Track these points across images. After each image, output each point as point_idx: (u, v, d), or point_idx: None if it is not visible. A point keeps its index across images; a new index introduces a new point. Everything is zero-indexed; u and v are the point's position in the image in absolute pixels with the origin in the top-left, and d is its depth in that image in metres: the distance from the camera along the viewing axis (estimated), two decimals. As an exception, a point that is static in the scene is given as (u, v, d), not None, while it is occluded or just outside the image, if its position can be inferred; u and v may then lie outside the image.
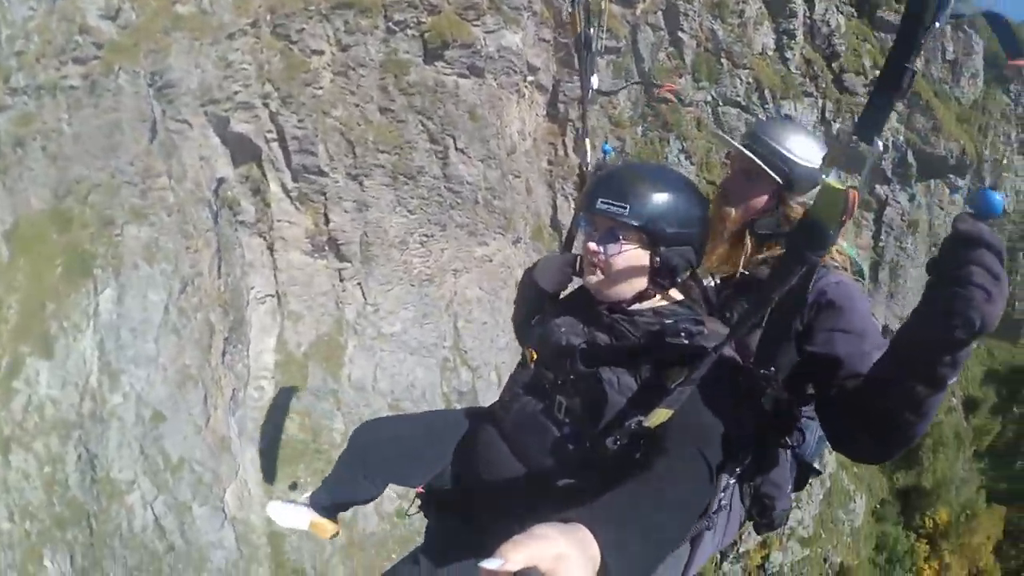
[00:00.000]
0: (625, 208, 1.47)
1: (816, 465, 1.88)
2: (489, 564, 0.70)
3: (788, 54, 29.86)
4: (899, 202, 29.84)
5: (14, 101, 31.51)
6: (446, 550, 1.74)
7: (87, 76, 25.83)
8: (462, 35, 23.91)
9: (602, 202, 1.51)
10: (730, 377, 1.41)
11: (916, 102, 28.85)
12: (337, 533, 2.33)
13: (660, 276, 1.54)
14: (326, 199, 24.78)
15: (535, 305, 1.89)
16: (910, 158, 29.07)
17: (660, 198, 1.48)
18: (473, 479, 1.73)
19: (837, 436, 1.47)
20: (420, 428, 2.06)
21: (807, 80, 30.55)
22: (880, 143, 1.08)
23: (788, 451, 1.73)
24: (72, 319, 25.04)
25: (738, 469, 1.50)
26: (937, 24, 0.98)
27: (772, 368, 1.41)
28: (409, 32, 24.38)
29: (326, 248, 24.68)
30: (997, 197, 1.04)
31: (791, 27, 29.52)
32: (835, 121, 29.82)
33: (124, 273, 25.44)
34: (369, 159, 24.11)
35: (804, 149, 1.68)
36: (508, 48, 24.23)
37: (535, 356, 1.67)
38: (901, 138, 29.29)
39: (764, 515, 1.77)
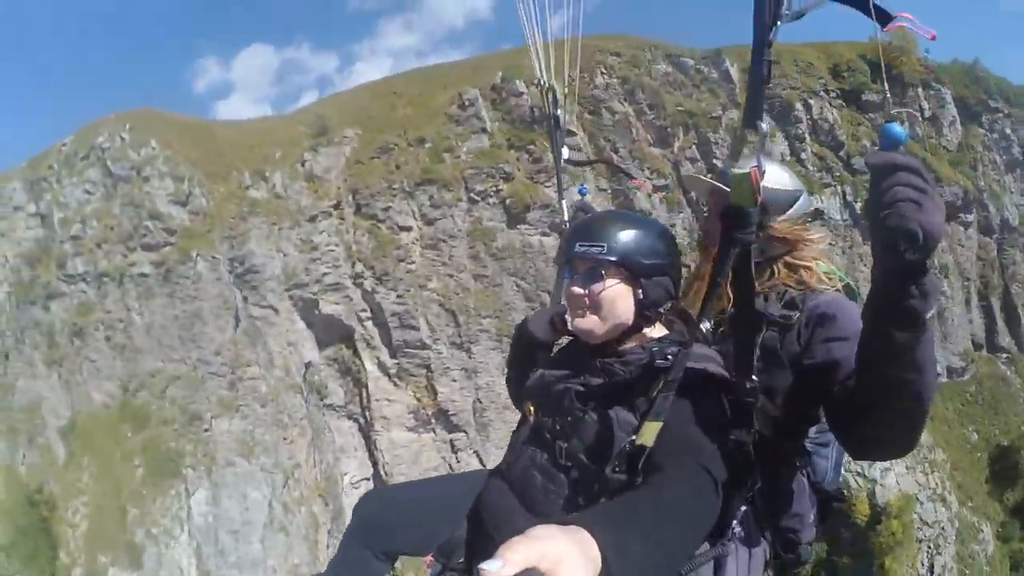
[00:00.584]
0: (602, 246, 1.55)
1: (835, 493, 1.85)
2: (489, 566, 0.68)
3: (802, 155, 32.35)
4: (927, 251, 31.69)
5: (71, 289, 30.34)
6: None
7: (160, 264, 25.27)
8: (539, 196, 24.78)
9: (580, 246, 1.59)
10: (718, 393, 1.43)
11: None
12: None
13: (645, 308, 1.59)
14: (430, 371, 24.62)
15: (528, 359, 1.90)
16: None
17: (632, 234, 1.58)
18: (483, 536, 1.69)
19: (854, 437, 1.45)
20: (426, 494, 2.04)
21: (823, 173, 33.01)
22: (764, 126, 1.20)
23: (804, 479, 1.74)
24: (162, 524, 23.42)
25: (748, 495, 1.47)
26: (779, 23, 1.11)
27: (754, 379, 1.40)
28: (490, 200, 25.17)
29: (433, 421, 24.32)
30: (897, 128, 1.12)
31: (799, 131, 32.22)
32: (856, 201, 32.14)
33: (217, 471, 24.22)
34: (473, 326, 24.26)
35: (772, 175, 1.71)
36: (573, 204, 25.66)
37: (533, 409, 1.70)
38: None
39: (789, 548, 1.75)
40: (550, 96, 2.43)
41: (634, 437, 1.35)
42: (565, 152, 2.41)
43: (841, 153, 33.13)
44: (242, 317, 24.96)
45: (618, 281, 1.57)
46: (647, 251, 1.57)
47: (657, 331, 1.66)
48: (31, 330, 29.02)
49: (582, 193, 2.66)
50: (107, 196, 27.22)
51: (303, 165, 26.06)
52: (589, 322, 1.59)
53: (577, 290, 1.60)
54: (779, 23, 1.10)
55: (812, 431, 1.74)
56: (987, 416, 33.20)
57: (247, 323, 25.01)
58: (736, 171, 1.26)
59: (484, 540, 1.67)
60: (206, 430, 24.09)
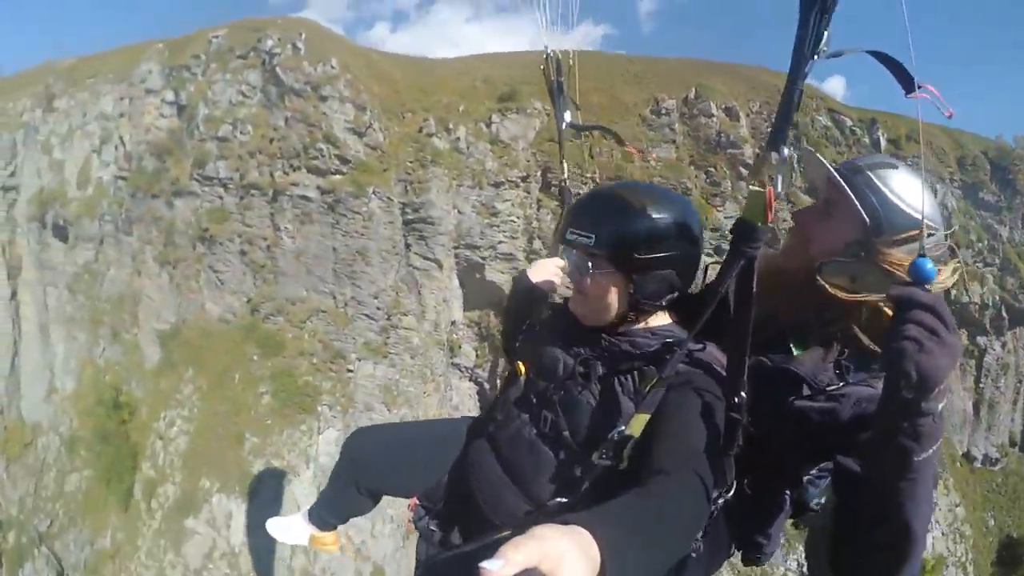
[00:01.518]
0: (591, 237, 1.49)
1: (813, 504, 1.73)
2: (490, 565, 0.69)
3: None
4: (995, 349, 34.45)
5: (204, 191, 28.34)
6: (442, 567, 1.75)
7: (328, 191, 24.09)
8: (711, 219, 25.41)
9: (571, 232, 1.53)
10: (715, 394, 1.42)
11: (1007, 266, 33.93)
12: (339, 546, 2.30)
13: (638, 302, 1.54)
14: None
15: (526, 311, 1.88)
16: (1003, 312, 33.86)
17: (629, 224, 1.47)
18: (466, 495, 1.72)
19: (835, 556, 1.38)
20: (413, 438, 2.05)
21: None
22: (786, 150, 1.22)
23: (787, 500, 1.69)
24: (285, 459, 22.60)
25: (721, 500, 1.41)
26: (816, 57, 1.13)
27: (742, 395, 1.34)
28: None
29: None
30: (928, 265, 1.13)
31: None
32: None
33: (353, 414, 23.44)
34: None
35: (907, 190, 1.47)
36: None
37: (524, 370, 1.69)
38: (996, 297, 34.08)
39: (751, 552, 1.75)
40: (553, 63, 2.45)
41: (623, 427, 1.37)
42: (567, 117, 2.46)
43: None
44: (401, 265, 24.37)
45: (606, 273, 1.51)
46: (644, 243, 1.48)
47: (660, 319, 1.61)
48: (145, 223, 27.11)
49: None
50: (268, 104, 25.70)
51: (488, 126, 25.53)
52: (580, 307, 1.59)
53: (572, 273, 1.59)
54: (816, 58, 1.14)
55: (814, 470, 1.64)
56: (1006, 507, 36.45)
57: (407, 272, 24.44)
58: (753, 187, 1.25)
59: (467, 502, 1.69)
60: (349, 371, 23.42)
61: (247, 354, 24.35)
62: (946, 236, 1.52)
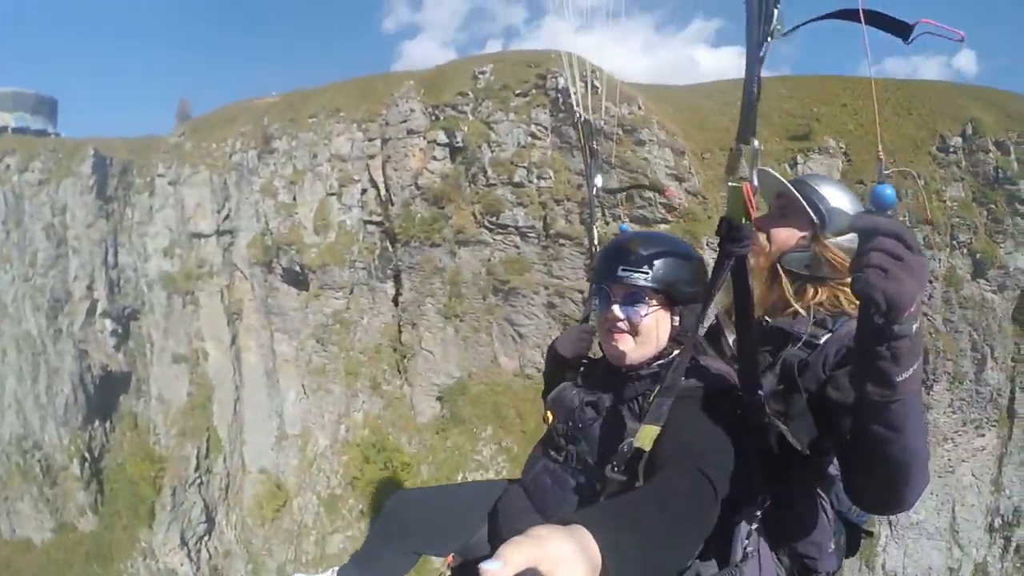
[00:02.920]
0: (647, 273, 1.57)
1: (865, 526, 1.84)
2: (489, 566, 0.68)
3: None
4: None
5: (495, 240, 27.64)
6: None
7: None
8: (995, 256, 25.62)
9: (623, 270, 1.59)
10: (726, 404, 1.42)
11: None
12: None
13: (680, 334, 1.63)
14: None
15: (558, 374, 1.99)
16: None
17: (673, 261, 1.60)
18: (498, 537, 1.77)
19: (848, 481, 1.46)
20: (452, 498, 2.10)
21: None
22: (756, 142, 1.22)
23: (826, 505, 1.72)
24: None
25: (757, 512, 1.45)
26: (770, 39, 1.14)
27: (759, 392, 1.40)
28: (964, 251, 25.47)
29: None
30: (888, 191, 1.16)
31: None
32: None
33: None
34: (939, 366, 24.59)
35: (837, 196, 1.80)
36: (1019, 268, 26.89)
37: (552, 416, 1.79)
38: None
39: (804, 573, 1.73)
40: (585, 128, 2.51)
41: (632, 440, 1.38)
42: (599, 180, 2.54)
43: None
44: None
45: (658, 307, 1.61)
46: (687, 279, 1.62)
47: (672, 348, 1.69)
48: (422, 272, 25.75)
49: (623, 231, 2.79)
50: (563, 147, 24.61)
51: (792, 167, 25.03)
52: (625, 346, 1.62)
53: (617, 314, 1.62)
54: (770, 40, 1.14)
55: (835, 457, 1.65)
56: None
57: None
58: (731, 184, 1.26)
59: (498, 541, 1.71)
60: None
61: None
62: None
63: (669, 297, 1.61)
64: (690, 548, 1.17)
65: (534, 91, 24.92)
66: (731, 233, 1.29)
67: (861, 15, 1.15)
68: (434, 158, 25.92)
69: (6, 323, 35.67)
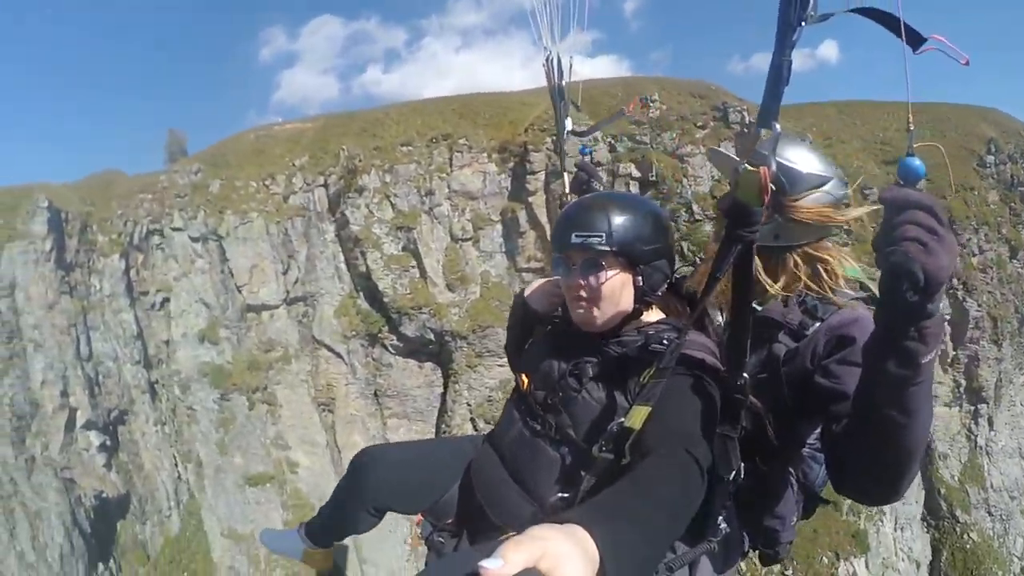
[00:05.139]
0: (600, 236, 1.53)
1: (823, 495, 1.86)
2: (489, 564, 0.68)
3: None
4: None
5: None
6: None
7: None
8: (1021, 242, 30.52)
9: (576, 236, 1.56)
10: (709, 383, 1.44)
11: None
12: (330, 565, 2.33)
13: (644, 294, 1.61)
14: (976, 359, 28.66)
15: (526, 329, 1.93)
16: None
17: (630, 220, 1.56)
18: (473, 503, 1.77)
19: (837, 468, 1.45)
20: (421, 455, 2.07)
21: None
22: (777, 126, 1.17)
23: (792, 481, 1.76)
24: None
25: (731, 489, 1.46)
26: (803, 24, 1.10)
27: (744, 375, 1.37)
28: (1003, 241, 29.58)
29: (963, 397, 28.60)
30: (916, 162, 1.11)
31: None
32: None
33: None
34: (1003, 328, 28.51)
35: (797, 156, 1.70)
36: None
37: (527, 381, 1.75)
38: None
39: (768, 546, 1.79)
40: (555, 64, 2.38)
41: (623, 420, 1.39)
42: (568, 124, 2.37)
43: None
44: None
45: (618, 271, 1.57)
46: (645, 236, 1.57)
47: (654, 314, 1.68)
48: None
49: (583, 153, 2.63)
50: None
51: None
52: (589, 313, 1.61)
53: (576, 281, 1.59)
54: (803, 24, 1.11)
55: (811, 437, 1.72)
56: None
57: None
58: (746, 167, 1.20)
59: (475, 508, 1.76)
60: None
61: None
62: (846, 184, 1.76)
63: (629, 258, 1.57)
64: (678, 533, 1.19)
65: (712, 123, 23.16)
66: (742, 218, 1.24)
67: (903, 30, 1.11)
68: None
69: (-52, 465, 24.68)
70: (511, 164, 23.38)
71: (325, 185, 24.12)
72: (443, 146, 23.57)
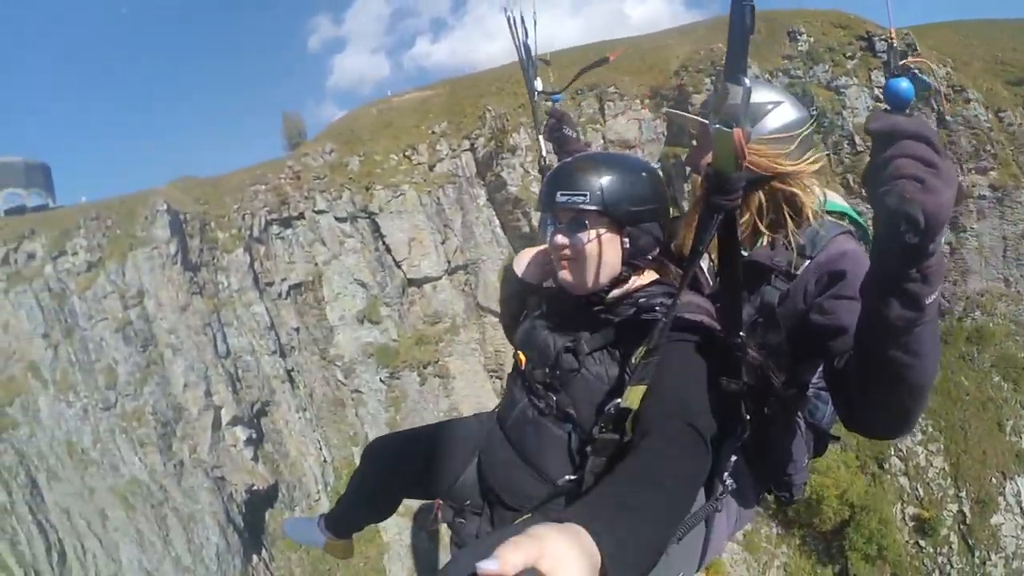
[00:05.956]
0: (584, 195, 1.49)
1: (832, 432, 1.81)
2: (486, 565, 0.67)
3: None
4: None
5: None
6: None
7: (996, 187, 22.70)
8: None
9: (561, 195, 1.52)
10: (706, 344, 1.39)
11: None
12: (352, 555, 2.37)
13: (632, 257, 1.55)
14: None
15: (519, 301, 1.89)
16: None
17: (616, 180, 1.51)
18: (485, 484, 1.76)
19: (846, 408, 1.39)
20: (433, 441, 2.01)
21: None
22: (747, 80, 1.07)
23: (801, 423, 1.70)
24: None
25: (737, 444, 1.44)
26: None
27: (741, 335, 1.33)
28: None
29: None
30: (903, 84, 0.99)
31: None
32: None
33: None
34: None
35: (757, 98, 1.55)
36: None
37: (524, 359, 1.70)
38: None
39: (782, 489, 1.76)
40: (520, 23, 2.28)
41: (619, 400, 1.35)
42: (538, 84, 2.26)
43: None
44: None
45: (603, 231, 1.52)
46: (632, 197, 1.52)
47: (646, 277, 1.62)
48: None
49: (555, 100, 2.51)
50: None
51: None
52: (574, 275, 1.56)
53: (561, 240, 1.55)
54: None
55: (815, 377, 1.67)
56: None
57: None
58: (718, 128, 1.10)
59: (489, 492, 1.74)
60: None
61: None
62: (809, 126, 1.66)
63: (615, 219, 1.52)
64: (688, 509, 1.18)
65: (860, 52, 23.03)
66: (720, 185, 1.17)
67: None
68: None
69: (94, 476, 24.16)
70: (664, 110, 23.06)
71: (472, 149, 23.48)
72: (591, 97, 23.05)
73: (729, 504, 1.60)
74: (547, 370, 1.59)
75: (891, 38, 1.09)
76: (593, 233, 1.52)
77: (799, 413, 1.67)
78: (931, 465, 24.06)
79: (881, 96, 1.02)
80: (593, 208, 1.50)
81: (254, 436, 26.45)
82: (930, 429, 23.53)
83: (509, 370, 1.83)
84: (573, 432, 1.54)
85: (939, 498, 23.70)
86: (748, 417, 1.41)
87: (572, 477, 1.52)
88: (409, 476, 1.98)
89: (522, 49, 2.25)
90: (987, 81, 25.98)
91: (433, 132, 23.98)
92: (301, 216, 24.53)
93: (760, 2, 1.04)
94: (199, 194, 26.46)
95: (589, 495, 1.03)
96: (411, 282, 23.74)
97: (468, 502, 1.80)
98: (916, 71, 1.06)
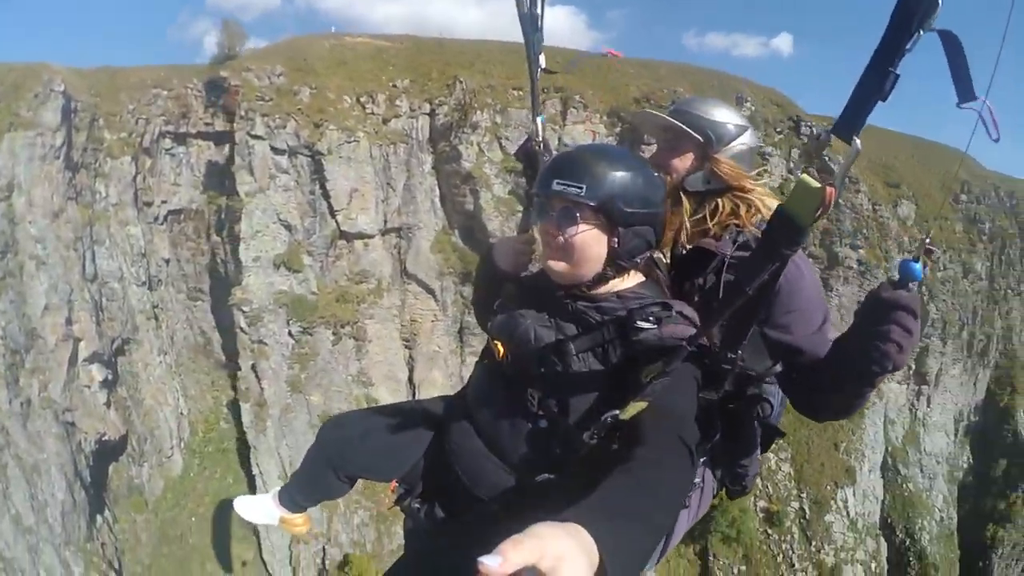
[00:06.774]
0: (581, 188, 1.47)
1: (778, 426, 1.96)
2: (489, 561, 0.69)
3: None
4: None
5: None
6: (432, 546, 1.78)
7: (862, 262, 27.94)
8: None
9: (558, 183, 1.49)
10: (697, 361, 1.43)
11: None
12: (308, 528, 2.37)
13: (619, 257, 1.54)
14: None
15: (494, 287, 1.88)
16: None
17: (617, 178, 1.48)
18: (449, 474, 1.73)
19: (803, 405, 1.69)
20: (391, 422, 1.99)
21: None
22: (858, 141, 1.06)
23: (755, 421, 1.81)
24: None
25: (708, 446, 1.49)
26: (921, 32, 0.98)
27: (738, 351, 1.41)
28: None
29: None
30: (916, 266, 1.24)
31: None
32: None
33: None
34: None
35: (719, 112, 1.91)
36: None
37: (502, 349, 1.66)
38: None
39: (736, 483, 1.90)
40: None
41: (617, 412, 1.36)
42: (542, 61, 2.16)
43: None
44: None
45: (593, 227, 1.51)
46: (630, 198, 1.50)
47: (632, 279, 1.62)
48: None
49: (540, 121, 2.31)
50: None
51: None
52: (556, 264, 1.56)
53: (551, 229, 1.55)
54: (922, 32, 0.99)
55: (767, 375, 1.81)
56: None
57: None
58: (807, 180, 1.14)
59: (448, 478, 1.73)
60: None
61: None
62: (757, 135, 2.00)
63: (608, 216, 1.49)
64: (675, 516, 1.28)
65: (787, 131, 27.66)
66: (791, 235, 1.18)
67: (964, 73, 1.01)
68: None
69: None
70: (618, 130, 24.83)
71: (431, 114, 23.06)
72: (557, 99, 24.02)
73: (691, 502, 1.76)
74: (529, 365, 1.57)
75: (928, 241, 1.24)
76: (583, 227, 1.50)
77: (760, 412, 1.77)
78: (780, 469, 29.69)
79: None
80: (587, 202, 1.47)
81: (110, 377, 22.95)
82: (780, 441, 29.11)
83: (478, 357, 1.82)
84: (548, 429, 1.53)
85: (785, 496, 29.23)
86: (719, 423, 1.50)
87: (547, 476, 1.54)
88: (367, 456, 1.95)
89: (527, 19, 2.00)
90: (870, 179, 31.99)
91: (394, 86, 23.00)
92: (201, 135, 21.97)
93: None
94: (93, 82, 22.14)
95: (589, 498, 1.02)
96: (343, 234, 22.44)
97: (424, 486, 1.83)
98: (931, 261, 1.29)
